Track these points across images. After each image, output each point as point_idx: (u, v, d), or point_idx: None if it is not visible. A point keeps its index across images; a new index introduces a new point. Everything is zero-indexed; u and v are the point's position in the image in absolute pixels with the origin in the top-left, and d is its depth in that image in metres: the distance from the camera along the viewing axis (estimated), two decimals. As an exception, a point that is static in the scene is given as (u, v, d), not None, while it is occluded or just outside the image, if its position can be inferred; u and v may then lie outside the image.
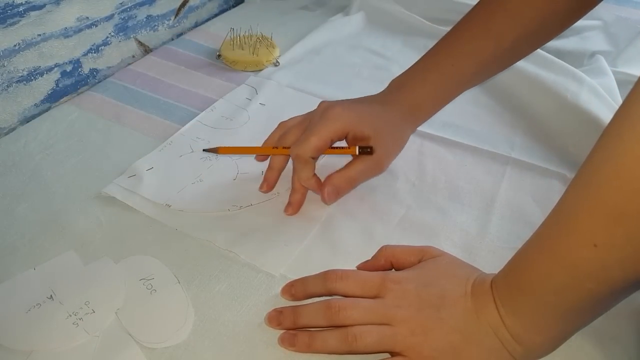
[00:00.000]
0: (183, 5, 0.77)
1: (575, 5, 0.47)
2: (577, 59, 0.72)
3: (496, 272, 0.37)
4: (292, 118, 0.50)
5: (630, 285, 0.31)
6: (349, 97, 0.50)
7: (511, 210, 0.50)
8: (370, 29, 0.80)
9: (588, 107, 0.59)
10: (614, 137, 0.30)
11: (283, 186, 0.50)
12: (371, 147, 0.46)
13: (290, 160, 0.47)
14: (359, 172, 0.46)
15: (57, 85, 0.62)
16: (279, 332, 0.37)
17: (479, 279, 0.37)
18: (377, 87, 0.51)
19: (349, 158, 0.48)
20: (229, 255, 0.44)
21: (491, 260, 0.44)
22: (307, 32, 0.77)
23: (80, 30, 0.62)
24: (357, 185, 0.49)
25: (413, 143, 0.56)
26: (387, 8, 0.81)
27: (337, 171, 0.46)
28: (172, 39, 0.77)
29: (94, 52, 0.65)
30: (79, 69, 0.64)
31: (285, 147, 0.47)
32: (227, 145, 0.52)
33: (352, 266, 0.42)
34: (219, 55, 0.70)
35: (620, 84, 0.65)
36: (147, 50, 0.73)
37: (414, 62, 0.50)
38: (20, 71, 0.57)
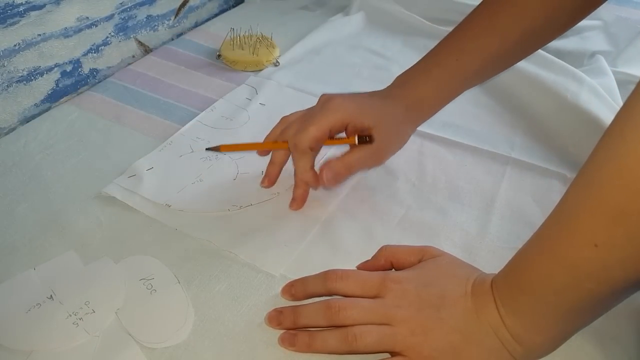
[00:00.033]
0: (183, 5, 0.77)
1: (581, 2, 0.47)
2: (577, 59, 0.72)
3: (496, 272, 0.36)
4: (294, 112, 0.50)
5: (631, 285, 0.31)
6: (350, 96, 0.50)
7: (511, 210, 0.50)
8: (370, 29, 0.80)
9: (588, 107, 0.59)
10: (616, 137, 0.30)
11: (283, 186, 0.50)
12: (370, 136, 0.45)
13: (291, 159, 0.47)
14: (358, 159, 0.46)
15: (57, 85, 0.62)
16: (279, 332, 0.37)
17: (479, 279, 0.37)
18: (377, 87, 0.51)
19: None
20: (229, 255, 0.44)
21: (491, 260, 0.44)
22: (307, 32, 0.77)
23: (80, 30, 0.62)
24: (355, 172, 0.49)
25: (413, 143, 0.56)
26: (387, 8, 0.81)
27: (336, 157, 0.46)
28: (172, 39, 0.77)
29: (94, 52, 0.65)
30: (79, 69, 0.64)
31: (285, 141, 0.47)
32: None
33: (352, 266, 0.42)
34: (219, 55, 0.70)
35: (620, 84, 0.65)
36: (147, 50, 0.73)
37: (414, 62, 0.50)
38: (20, 71, 0.57)
